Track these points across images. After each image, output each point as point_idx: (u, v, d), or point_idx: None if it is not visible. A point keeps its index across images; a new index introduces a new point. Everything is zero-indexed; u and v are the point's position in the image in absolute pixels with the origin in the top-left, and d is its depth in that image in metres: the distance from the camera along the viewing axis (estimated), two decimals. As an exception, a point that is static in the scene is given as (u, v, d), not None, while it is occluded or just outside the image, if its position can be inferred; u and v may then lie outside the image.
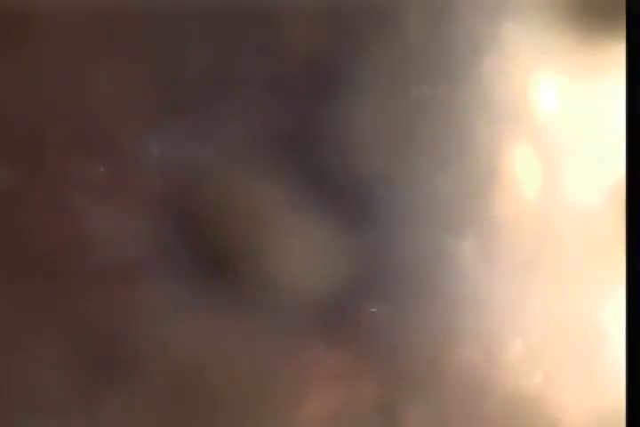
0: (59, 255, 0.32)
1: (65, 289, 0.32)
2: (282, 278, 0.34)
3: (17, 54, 0.32)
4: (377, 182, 0.36)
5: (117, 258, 0.33)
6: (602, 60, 0.39)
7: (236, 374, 0.34)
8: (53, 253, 0.32)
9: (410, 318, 0.36)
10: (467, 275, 0.37)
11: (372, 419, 0.36)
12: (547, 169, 0.39)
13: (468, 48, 0.37)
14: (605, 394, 0.39)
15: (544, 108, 0.39)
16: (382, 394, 0.36)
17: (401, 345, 0.36)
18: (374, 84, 0.35)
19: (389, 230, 0.36)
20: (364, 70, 0.35)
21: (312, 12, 0.35)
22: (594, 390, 0.39)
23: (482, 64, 0.37)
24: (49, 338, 0.32)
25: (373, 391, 0.36)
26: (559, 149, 0.39)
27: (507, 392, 0.38)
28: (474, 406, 0.37)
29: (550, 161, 0.39)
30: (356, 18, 0.35)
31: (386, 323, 0.35)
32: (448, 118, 0.37)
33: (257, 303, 0.34)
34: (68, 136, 0.32)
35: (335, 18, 0.35)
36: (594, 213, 0.39)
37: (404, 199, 0.36)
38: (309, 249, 0.35)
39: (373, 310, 0.35)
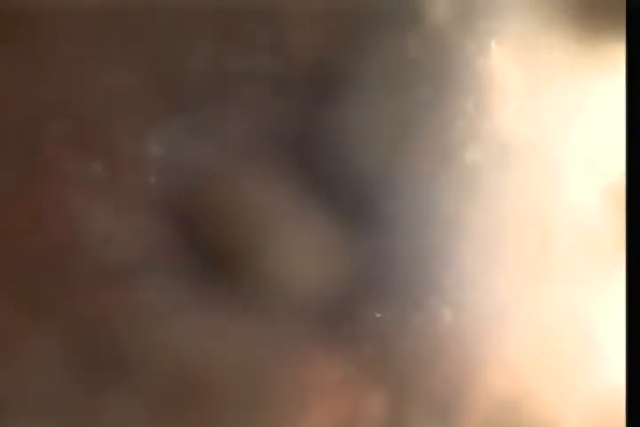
0: (58, 255, 0.32)
1: (65, 289, 0.32)
2: (282, 280, 0.34)
3: (17, 54, 0.32)
4: (377, 182, 0.36)
5: (116, 258, 0.33)
6: (602, 60, 0.39)
7: (236, 377, 0.34)
8: (52, 252, 0.32)
9: (413, 323, 0.36)
10: (468, 276, 0.37)
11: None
12: (547, 169, 0.39)
13: (468, 48, 0.37)
14: (605, 394, 0.39)
15: (544, 108, 0.39)
16: (387, 403, 0.36)
17: (406, 352, 0.36)
18: (375, 84, 0.35)
19: (390, 231, 0.36)
20: (364, 70, 0.35)
21: (313, 12, 0.35)
22: (594, 390, 0.39)
23: (482, 64, 0.37)
24: (49, 338, 0.32)
25: (378, 400, 0.36)
26: (559, 149, 0.39)
27: (508, 393, 0.38)
28: (475, 405, 0.37)
29: (550, 161, 0.39)
30: (356, 18, 0.35)
31: (391, 328, 0.35)
32: (448, 119, 0.37)
33: (257, 305, 0.34)
34: (67, 135, 0.32)
35: (336, 18, 0.35)
36: (593, 213, 0.39)
37: (405, 200, 0.36)
38: (310, 250, 0.35)
39: (378, 315, 0.35)
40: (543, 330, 0.38)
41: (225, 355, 0.34)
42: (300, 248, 0.35)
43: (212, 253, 0.34)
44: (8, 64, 0.32)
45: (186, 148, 0.33)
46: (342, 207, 0.35)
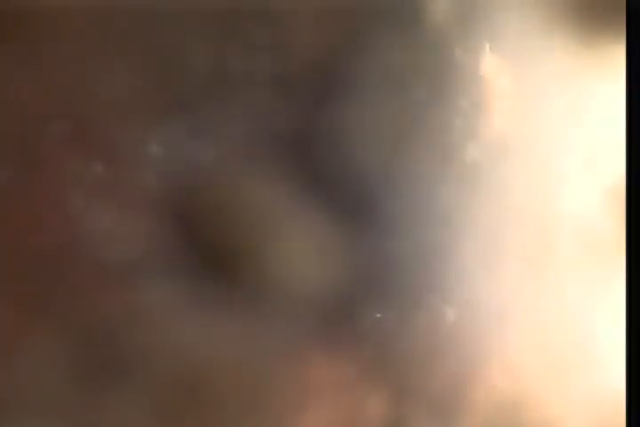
0: (58, 255, 0.32)
1: (65, 289, 0.32)
2: (282, 280, 0.34)
3: (17, 54, 0.32)
4: (377, 182, 0.36)
5: (116, 258, 0.33)
6: (602, 60, 0.39)
7: (236, 377, 0.34)
8: (52, 252, 0.32)
9: (413, 322, 0.36)
10: (468, 276, 0.37)
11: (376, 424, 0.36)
12: (547, 169, 0.39)
13: (468, 49, 0.37)
14: (605, 394, 0.39)
15: (544, 108, 0.39)
16: (387, 403, 0.36)
17: (406, 352, 0.36)
18: (375, 84, 0.35)
19: (390, 231, 0.36)
20: (364, 70, 0.35)
21: (313, 13, 0.35)
22: (594, 390, 0.39)
23: (482, 64, 0.37)
24: (49, 338, 0.32)
25: (378, 400, 0.36)
26: (559, 150, 0.39)
27: (508, 393, 0.38)
28: (475, 405, 0.37)
29: (551, 161, 0.39)
30: (357, 18, 0.35)
31: (391, 328, 0.35)
32: (448, 119, 0.37)
33: (257, 305, 0.34)
34: (67, 135, 0.32)
35: (336, 18, 0.35)
36: (593, 214, 0.39)
37: (405, 200, 0.36)
38: (310, 250, 0.35)
39: (378, 315, 0.35)
40: (543, 330, 0.38)
41: (225, 355, 0.34)
42: (300, 248, 0.35)
43: (212, 253, 0.34)
44: (8, 64, 0.32)
45: (186, 148, 0.33)
46: (342, 207, 0.35)
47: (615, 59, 0.39)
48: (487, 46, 0.37)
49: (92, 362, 0.32)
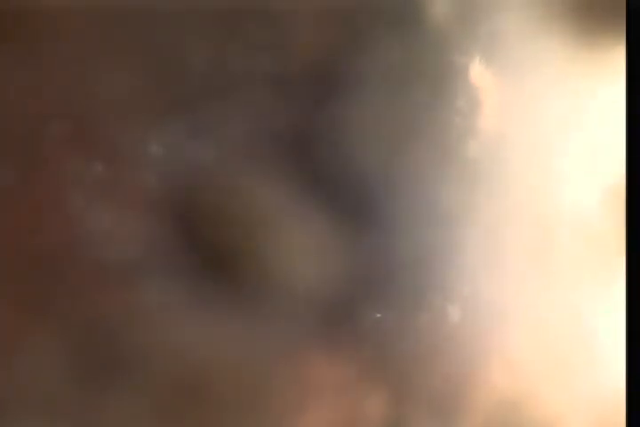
0: (58, 255, 0.32)
1: (65, 289, 0.32)
2: (282, 280, 0.34)
3: (17, 54, 0.32)
4: (377, 182, 0.36)
5: (116, 258, 0.33)
6: (602, 60, 0.39)
7: (236, 377, 0.34)
8: (52, 252, 0.32)
9: (413, 322, 0.36)
10: (469, 276, 0.37)
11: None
12: (547, 169, 0.39)
13: (468, 50, 0.37)
14: (606, 394, 0.39)
15: (544, 108, 0.39)
16: (387, 403, 0.36)
17: (406, 351, 0.36)
18: (375, 84, 0.35)
19: (391, 231, 0.36)
20: (364, 70, 0.35)
21: (313, 12, 0.35)
22: (594, 390, 0.39)
23: (482, 64, 0.37)
24: (49, 338, 0.32)
25: (378, 400, 0.36)
26: (559, 150, 0.39)
27: (508, 393, 0.38)
28: (475, 405, 0.37)
29: (551, 161, 0.39)
30: (357, 18, 0.35)
31: (391, 328, 0.35)
32: (448, 119, 0.37)
33: (257, 305, 0.34)
34: (67, 135, 0.32)
35: (336, 18, 0.35)
36: (594, 213, 0.39)
37: (405, 200, 0.36)
38: (310, 250, 0.35)
39: (378, 315, 0.35)
40: (544, 330, 0.38)
41: (225, 355, 0.34)
42: (300, 248, 0.35)
43: (212, 253, 0.34)
44: (8, 64, 0.32)
45: (186, 148, 0.33)
46: (342, 207, 0.35)
47: (615, 59, 0.39)
48: (491, 45, 0.37)
49: (92, 362, 0.32)
